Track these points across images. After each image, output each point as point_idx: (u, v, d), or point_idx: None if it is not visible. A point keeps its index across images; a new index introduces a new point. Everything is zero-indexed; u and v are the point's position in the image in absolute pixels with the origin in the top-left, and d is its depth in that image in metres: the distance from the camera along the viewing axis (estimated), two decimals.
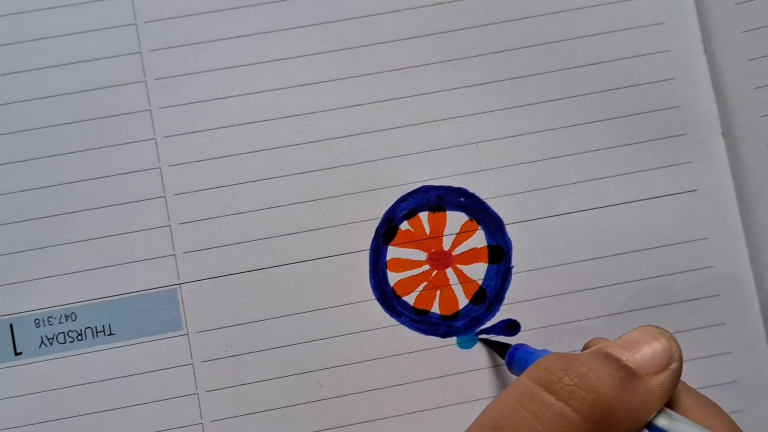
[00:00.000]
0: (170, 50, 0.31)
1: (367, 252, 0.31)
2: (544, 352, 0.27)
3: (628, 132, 0.32)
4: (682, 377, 0.24)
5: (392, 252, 0.31)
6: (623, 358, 0.23)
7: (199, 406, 0.30)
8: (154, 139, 0.31)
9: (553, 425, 0.21)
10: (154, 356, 0.30)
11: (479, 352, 0.31)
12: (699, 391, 0.25)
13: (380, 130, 0.32)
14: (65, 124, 0.31)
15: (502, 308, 0.31)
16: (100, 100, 0.31)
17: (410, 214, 0.31)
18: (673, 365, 0.23)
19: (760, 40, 0.31)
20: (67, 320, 0.30)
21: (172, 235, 0.31)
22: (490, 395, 0.31)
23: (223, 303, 0.31)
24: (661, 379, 0.22)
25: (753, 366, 0.32)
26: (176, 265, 0.31)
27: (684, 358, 0.31)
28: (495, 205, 0.32)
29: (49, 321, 0.30)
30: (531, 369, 0.22)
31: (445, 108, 0.32)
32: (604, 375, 0.22)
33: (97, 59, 0.31)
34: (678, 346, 0.23)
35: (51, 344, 0.30)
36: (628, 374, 0.22)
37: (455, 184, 0.32)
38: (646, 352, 0.23)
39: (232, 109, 0.31)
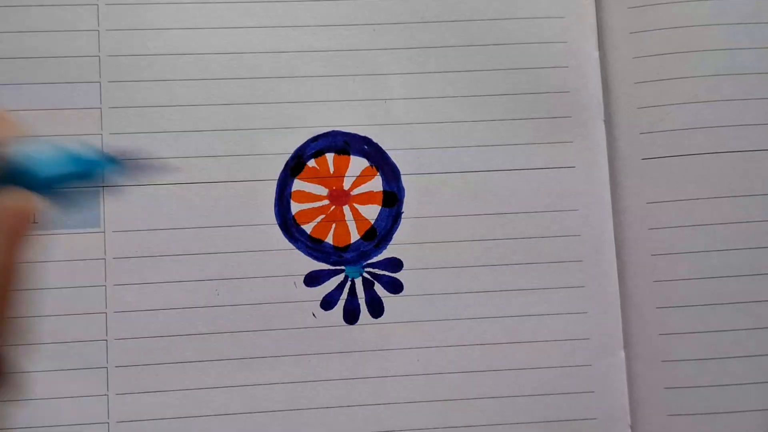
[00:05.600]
0: None
1: (275, 182, 0.35)
2: None
3: (520, 108, 0.36)
4: None
5: (297, 185, 0.35)
6: None
7: (106, 298, 0.34)
8: (98, 56, 0.35)
9: None
10: (71, 250, 0.34)
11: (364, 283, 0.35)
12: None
13: (302, 77, 0.35)
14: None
15: (389, 247, 0.35)
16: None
17: (318, 154, 0.35)
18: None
19: (644, 40, 0.36)
20: None
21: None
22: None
23: (139, 207, 0.34)
24: None
25: (605, 326, 0.35)
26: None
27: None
28: (394, 156, 0.36)
29: None
30: None
31: (362, 65, 0.36)
32: None
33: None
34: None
35: None
36: None
37: (362, 134, 0.36)
38: None
39: (174, 39, 0.35)
